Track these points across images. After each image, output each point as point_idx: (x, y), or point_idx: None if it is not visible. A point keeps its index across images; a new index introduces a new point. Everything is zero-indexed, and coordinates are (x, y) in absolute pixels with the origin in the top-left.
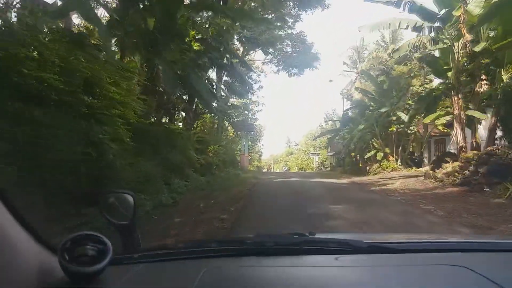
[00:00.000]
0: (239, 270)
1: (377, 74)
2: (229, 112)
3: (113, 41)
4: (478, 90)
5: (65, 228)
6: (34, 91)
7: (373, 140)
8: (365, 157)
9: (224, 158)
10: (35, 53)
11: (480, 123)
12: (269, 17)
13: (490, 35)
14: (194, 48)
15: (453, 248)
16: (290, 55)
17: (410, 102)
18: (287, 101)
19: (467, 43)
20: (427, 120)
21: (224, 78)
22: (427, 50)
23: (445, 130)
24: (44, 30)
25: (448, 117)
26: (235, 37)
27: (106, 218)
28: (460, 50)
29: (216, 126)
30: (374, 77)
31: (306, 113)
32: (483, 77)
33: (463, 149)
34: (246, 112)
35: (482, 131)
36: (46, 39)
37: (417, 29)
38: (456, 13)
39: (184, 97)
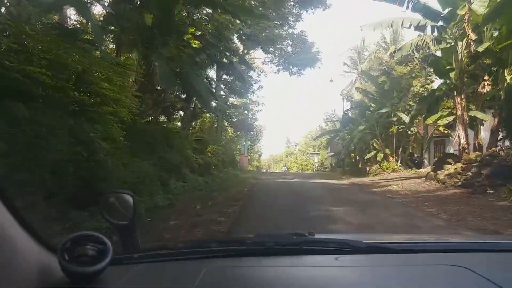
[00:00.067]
0: (239, 270)
1: (378, 75)
2: (229, 112)
3: (109, 38)
4: (481, 90)
5: (50, 234)
6: (17, 86)
7: (373, 140)
8: (365, 158)
9: (223, 158)
10: (20, 45)
11: (483, 124)
12: (270, 16)
13: (494, 35)
14: (193, 45)
15: (452, 248)
16: (291, 54)
17: (411, 103)
18: (287, 101)
19: (471, 43)
20: (430, 120)
21: (224, 77)
22: (430, 50)
23: (446, 131)
24: (37, 24)
25: (451, 118)
26: (235, 35)
27: (106, 218)
28: (464, 50)
29: (215, 125)
30: (375, 77)
31: (306, 114)
32: (486, 77)
33: (466, 150)
34: (246, 112)
35: (483, 132)
36: (33, 32)
37: (420, 28)
38: (461, 12)
39: (182, 96)
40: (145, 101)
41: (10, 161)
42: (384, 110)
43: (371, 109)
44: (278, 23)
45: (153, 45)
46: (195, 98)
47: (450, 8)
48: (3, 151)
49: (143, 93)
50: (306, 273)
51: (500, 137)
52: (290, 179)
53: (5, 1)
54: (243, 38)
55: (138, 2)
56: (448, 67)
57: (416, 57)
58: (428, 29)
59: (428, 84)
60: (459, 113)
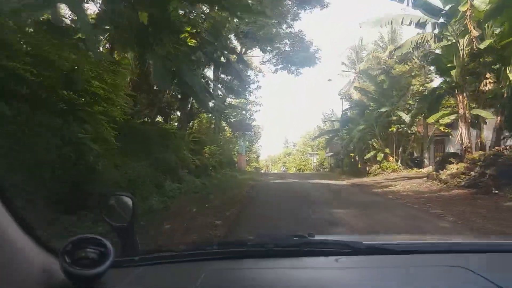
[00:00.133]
0: (239, 273)
1: (377, 74)
2: (226, 112)
3: (104, 36)
4: (483, 88)
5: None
6: None
7: (372, 140)
8: (365, 157)
9: (220, 159)
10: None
11: (485, 123)
12: (268, 13)
13: (496, 32)
14: (188, 43)
15: (452, 249)
16: (290, 52)
17: (410, 101)
18: (285, 102)
19: (473, 39)
20: (431, 119)
21: (221, 76)
22: (430, 48)
23: (446, 131)
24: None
25: (453, 117)
26: (232, 33)
27: (105, 220)
28: (466, 47)
29: (213, 126)
30: (374, 76)
31: (304, 114)
32: (488, 75)
33: (468, 149)
34: (244, 112)
35: (485, 131)
36: (16, 26)
37: (421, 25)
38: (462, 8)
39: (179, 96)
40: (140, 101)
41: None
42: (383, 109)
43: (370, 108)
44: (276, 21)
45: (147, 43)
46: (191, 98)
47: (451, 5)
48: None
49: (137, 93)
50: (306, 275)
51: (503, 135)
52: (289, 180)
53: None
54: (241, 36)
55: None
56: (449, 65)
57: (415, 56)
58: (429, 26)
59: (427, 83)
60: (461, 111)
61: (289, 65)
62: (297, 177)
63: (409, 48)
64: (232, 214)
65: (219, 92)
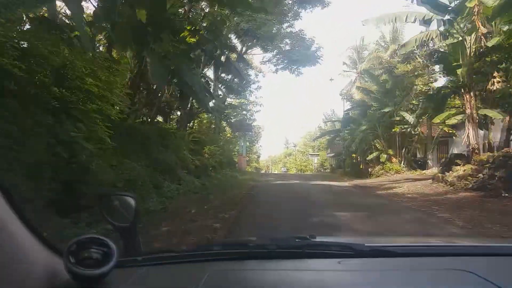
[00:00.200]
0: (242, 274)
1: (378, 74)
2: (227, 112)
3: (101, 35)
4: (491, 88)
5: None
6: None
7: (375, 141)
8: (367, 158)
9: (220, 159)
10: None
11: (493, 123)
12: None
13: (504, 30)
14: (188, 41)
15: (457, 252)
16: (290, 51)
17: (414, 102)
18: (286, 102)
19: (482, 37)
20: (437, 119)
21: (222, 75)
22: (435, 47)
23: (450, 131)
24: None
25: (460, 117)
26: (232, 32)
27: (108, 220)
28: (473, 45)
29: (213, 126)
30: (376, 76)
31: (305, 114)
32: (496, 74)
33: (476, 150)
34: (244, 112)
35: (492, 132)
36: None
37: (426, 22)
38: (470, 4)
39: (179, 95)
40: (139, 100)
41: None
42: (386, 110)
43: (372, 108)
44: (276, 19)
45: (145, 41)
46: (191, 98)
47: (458, 1)
48: None
49: (136, 92)
50: (309, 277)
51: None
52: (290, 181)
53: None
54: (241, 34)
55: None
56: (455, 64)
57: (418, 55)
58: (435, 23)
59: (431, 83)
60: (468, 111)
61: (290, 65)
62: (298, 178)
63: (414, 46)
64: (231, 216)
65: (219, 92)
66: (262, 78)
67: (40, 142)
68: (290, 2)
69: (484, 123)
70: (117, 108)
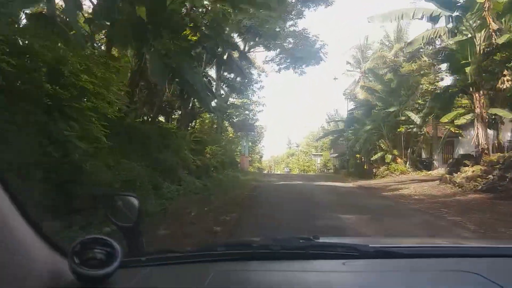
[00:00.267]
0: (246, 274)
1: (382, 74)
2: (229, 112)
3: (101, 32)
4: (500, 86)
5: None
6: None
7: (380, 141)
8: (371, 159)
9: (222, 160)
10: None
11: (503, 123)
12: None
13: None
14: (189, 38)
15: (464, 253)
16: (294, 50)
17: (420, 101)
18: (288, 101)
19: (492, 33)
20: (445, 119)
21: (224, 74)
22: (442, 44)
23: (457, 131)
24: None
25: (468, 116)
26: (234, 31)
27: (111, 220)
28: (482, 42)
29: (215, 126)
30: (381, 75)
31: (308, 114)
32: (506, 72)
33: (485, 151)
34: (247, 112)
35: (502, 132)
36: None
37: (433, 19)
38: (480, 0)
39: (181, 94)
40: (139, 98)
41: None
42: (391, 109)
43: (377, 108)
44: (279, 16)
45: (145, 39)
46: (193, 97)
47: None
48: None
49: (134, 90)
50: (314, 277)
51: None
52: (293, 182)
53: None
54: (243, 31)
55: None
56: (463, 62)
57: (424, 54)
58: (443, 20)
59: (437, 82)
60: (477, 110)
61: (294, 62)
62: (301, 178)
63: (421, 44)
64: (232, 219)
65: (222, 91)
66: (264, 78)
67: (30, 141)
68: (294, 0)
69: (493, 123)
70: (115, 106)
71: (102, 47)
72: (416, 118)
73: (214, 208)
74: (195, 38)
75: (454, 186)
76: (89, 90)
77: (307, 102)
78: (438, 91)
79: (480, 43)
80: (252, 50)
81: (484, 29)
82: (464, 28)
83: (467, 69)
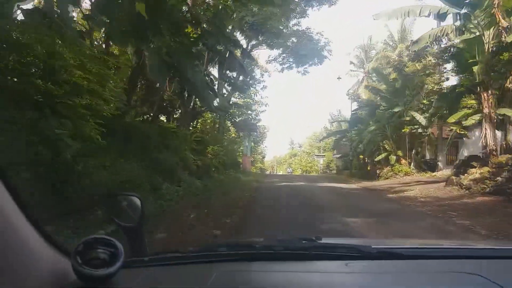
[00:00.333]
0: (249, 275)
1: (387, 73)
2: (231, 111)
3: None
4: (509, 86)
5: None
6: None
7: (384, 142)
8: (375, 160)
9: (224, 160)
10: None
11: (511, 123)
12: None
13: None
14: (190, 35)
15: (466, 254)
16: (297, 49)
17: (424, 101)
18: (291, 102)
19: (502, 31)
20: (452, 119)
21: (226, 72)
22: (449, 43)
23: (462, 132)
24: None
25: (477, 117)
26: (237, 29)
27: (114, 220)
28: (491, 40)
29: (217, 125)
30: (385, 75)
31: (311, 114)
32: None
33: (494, 152)
34: (249, 112)
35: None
36: None
37: (441, 16)
38: None
39: (181, 93)
40: (139, 97)
41: None
42: (396, 110)
43: (381, 108)
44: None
45: (145, 35)
46: (194, 96)
47: None
48: None
49: (133, 88)
50: (316, 278)
51: None
52: (296, 182)
53: None
54: (246, 28)
55: None
56: (471, 60)
57: (430, 53)
58: (450, 17)
59: (442, 82)
60: (486, 110)
61: (298, 59)
62: (304, 179)
63: (427, 42)
64: (233, 222)
65: (224, 91)
66: (267, 78)
67: (17, 139)
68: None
69: (502, 123)
70: (112, 104)
71: (104, 46)
72: (421, 118)
73: (214, 211)
74: (194, 35)
75: (461, 188)
76: (83, 87)
77: (310, 102)
78: (445, 91)
79: (489, 41)
80: (255, 49)
81: (493, 27)
82: (472, 26)
83: (475, 68)
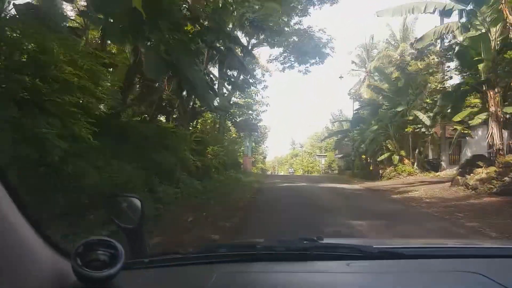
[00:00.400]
0: (250, 276)
1: (389, 72)
2: (232, 111)
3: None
4: None
5: None
6: None
7: (386, 141)
8: (378, 160)
9: (224, 160)
10: None
11: None
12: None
13: None
14: (188, 31)
15: (468, 254)
16: (299, 48)
17: (428, 100)
18: (292, 102)
19: (510, 27)
20: (457, 118)
21: (227, 72)
22: (452, 41)
23: (465, 131)
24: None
25: (483, 116)
26: (237, 26)
27: (114, 222)
28: (498, 37)
29: (217, 126)
30: (388, 74)
31: (312, 114)
32: None
33: (500, 151)
34: (250, 112)
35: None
36: None
37: (446, 13)
38: None
39: (180, 92)
40: (136, 96)
41: None
42: (398, 109)
43: (384, 107)
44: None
45: (141, 32)
46: (194, 96)
47: None
48: None
49: (131, 87)
50: (318, 279)
51: None
52: (297, 183)
53: None
54: (247, 25)
55: None
56: (476, 58)
57: (433, 51)
58: (455, 14)
59: (445, 80)
60: (492, 109)
61: (299, 60)
62: (305, 179)
63: (432, 39)
64: (233, 226)
65: (224, 90)
66: (268, 77)
67: (2, 139)
68: None
69: (508, 122)
70: (105, 102)
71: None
72: (424, 117)
73: (213, 213)
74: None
75: (467, 189)
76: (74, 84)
77: (311, 102)
78: (449, 89)
79: (495, 38)
80: (255, 48)
81: (500, 23)
82: (478, 22)
83: (480, 66)
